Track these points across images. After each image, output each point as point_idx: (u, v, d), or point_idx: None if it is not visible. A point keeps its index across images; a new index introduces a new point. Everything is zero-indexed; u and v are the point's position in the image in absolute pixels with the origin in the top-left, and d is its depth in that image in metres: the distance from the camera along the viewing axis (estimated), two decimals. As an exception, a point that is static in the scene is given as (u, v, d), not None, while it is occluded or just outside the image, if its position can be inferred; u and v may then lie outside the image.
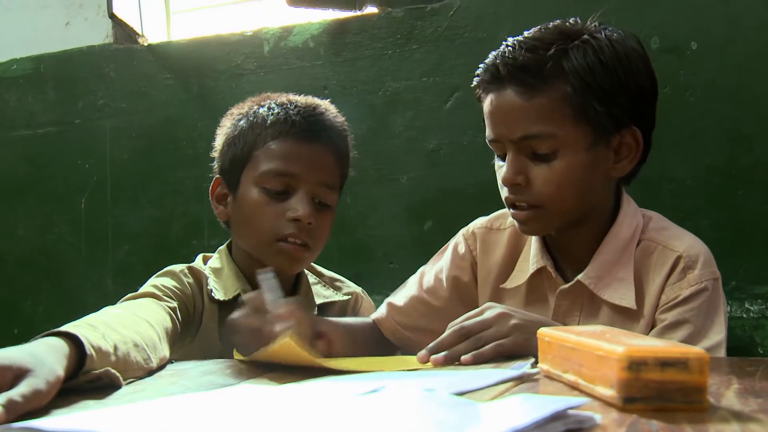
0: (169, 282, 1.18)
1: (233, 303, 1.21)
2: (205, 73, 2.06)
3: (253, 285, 1.22)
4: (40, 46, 2.25)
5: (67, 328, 0.81)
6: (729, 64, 1.57)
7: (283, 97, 1.26)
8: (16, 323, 2.17)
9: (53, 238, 2.22)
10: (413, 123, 1.85)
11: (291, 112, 1.22)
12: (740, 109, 1.56)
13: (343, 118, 1.30)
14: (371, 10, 1.92)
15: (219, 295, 1.21)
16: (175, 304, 1.13)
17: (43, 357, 0.72)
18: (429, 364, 0.97)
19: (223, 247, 1.30)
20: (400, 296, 1.33)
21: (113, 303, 1.08)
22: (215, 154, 1.30)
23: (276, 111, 1.22)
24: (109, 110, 2.17)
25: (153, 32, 2.20)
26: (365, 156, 1.88)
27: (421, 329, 1.25)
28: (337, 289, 1.36)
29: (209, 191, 1.29)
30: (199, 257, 1.31)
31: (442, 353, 0.97)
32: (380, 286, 1.80)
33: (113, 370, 0.81)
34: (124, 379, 0.83)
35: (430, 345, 0.99)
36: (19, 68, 2.27)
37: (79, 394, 0.76)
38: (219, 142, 1.29)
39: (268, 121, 1.21)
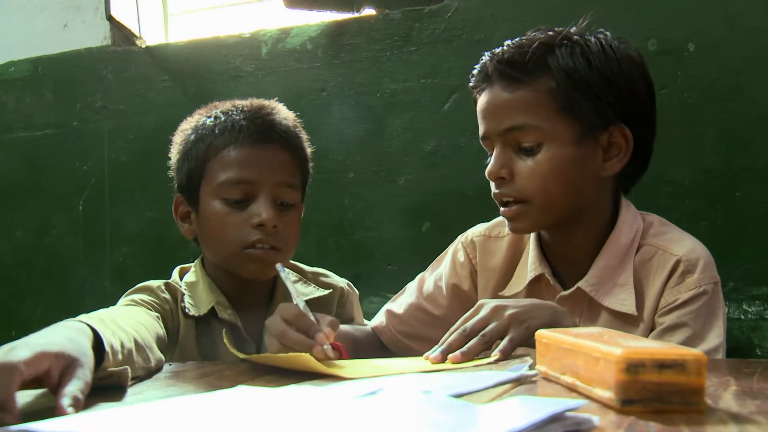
0: (146, 297, 1.16)
1: (209, 317, 1.20)
2: (202, 75, 2.06)
3: (228, 297, 1.22)
4: (38, 48, 2.25)
5: (83, 319, 0.81)
6: (726, 66, 1.58)
7: (228, 104, 1.24)
8: (14, 325, 2.17)
9: (51, 240, 2.22)
10: (411, 125, 1.85)
11: (237, 117, 1.20)
12: (738, 110, 1.57)
13: (294, 116, 1.27)
14: (369, 11, 1.92)
15: (193, 311, 1.19)
16: (157, 315, 1.13)
17: (82, 344, 0.74)
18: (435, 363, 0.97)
19: (198, 261, 1.28)
20: (399, 303, 1.32)
21: (111, 305, 1.08)
22: (172, 172, 1.28)
23: (222, 119, 1.21)
24: (107, 112, 2.17)
25: (151, 34, 2.20)
26: (363, 157, 1.89)
27: (421, 338, 1.25)
28: (321, 284, 1.32)
29: (172, 210, 1.27)
30: (176, 270, 1.29)
31: (458, 351, 0.96)
32: (378, 287, 1.81)
33: (127, 369, 0.81)
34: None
35: (441, 347, 0.98)
36: (16, 70, 2.27)
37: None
38: (173, 158, 1.27)
39: (216, 131, 1.20)
